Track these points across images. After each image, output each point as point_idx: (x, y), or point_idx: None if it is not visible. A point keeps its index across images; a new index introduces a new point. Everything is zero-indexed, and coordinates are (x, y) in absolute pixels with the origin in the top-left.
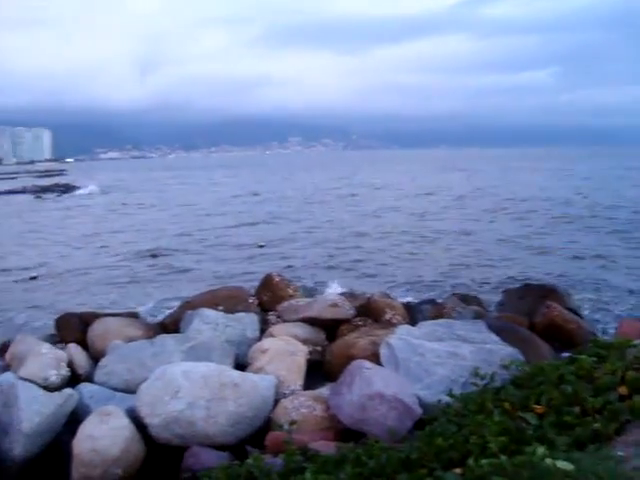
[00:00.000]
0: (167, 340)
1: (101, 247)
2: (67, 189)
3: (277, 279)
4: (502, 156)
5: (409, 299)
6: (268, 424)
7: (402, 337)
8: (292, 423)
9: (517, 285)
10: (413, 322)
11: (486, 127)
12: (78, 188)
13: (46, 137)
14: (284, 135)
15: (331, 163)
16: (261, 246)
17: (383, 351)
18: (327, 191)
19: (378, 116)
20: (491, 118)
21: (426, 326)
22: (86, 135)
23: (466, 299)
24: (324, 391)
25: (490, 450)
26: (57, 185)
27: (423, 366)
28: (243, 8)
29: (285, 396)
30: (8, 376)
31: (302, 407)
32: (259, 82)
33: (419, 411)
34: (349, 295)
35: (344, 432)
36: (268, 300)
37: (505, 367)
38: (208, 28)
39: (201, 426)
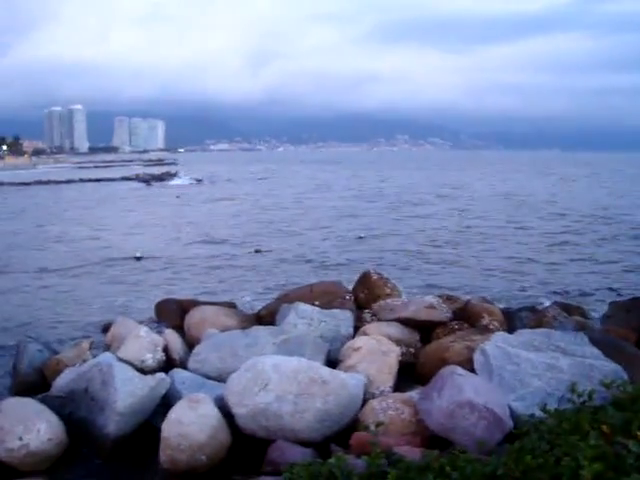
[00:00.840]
0: (261, 332)
1: (202, 235)
2: (175, 178)
3: (375, 277)
4: (618, 160)
5: (505, 305)
6: (354, 424)
7: (498, 344)
8: (379, 425)
9: (624, 298)
10: (511, 329)
11: (602, 130)
12: (184, 177)
13: (160, 128)
14: (391, 132)
15: (437, 163)
16: (360, 237)
17: (477, 357)
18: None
19: (487, 116)
20: (608, 120)
21: (524, 334)
22: (198, 127)
23: (568, 309)
24: (414, 394)
25: (583, 477)
26: (167, 174)
27: (518, 376)
28: (353, 5)
29: (374, 396)
30: (107, 356)
31: (390, 409)
32: (367, 79)
33: (510, 424)
34: (446, 297)
35: (431, 438)
36: (364, 298)
37: (606, 385)
38: (319, 24)
39: (287, 420)
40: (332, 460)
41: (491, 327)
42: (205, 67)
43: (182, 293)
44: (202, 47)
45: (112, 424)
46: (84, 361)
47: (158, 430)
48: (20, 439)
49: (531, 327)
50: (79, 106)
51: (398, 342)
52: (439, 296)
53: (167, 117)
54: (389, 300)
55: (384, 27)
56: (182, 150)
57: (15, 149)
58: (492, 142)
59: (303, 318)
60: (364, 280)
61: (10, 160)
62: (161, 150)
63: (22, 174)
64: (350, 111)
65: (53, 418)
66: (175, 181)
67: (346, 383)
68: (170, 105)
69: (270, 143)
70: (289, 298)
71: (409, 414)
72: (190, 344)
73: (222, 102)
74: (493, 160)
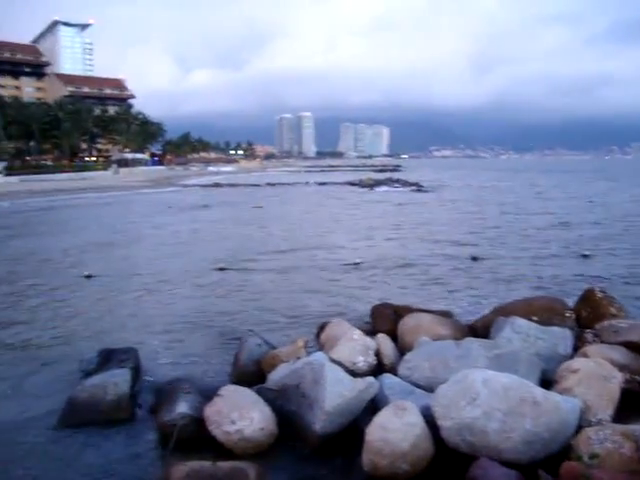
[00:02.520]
0: (473, 344)
1: (423, 241)
2: (404, 184)
3: (599, 295)
4: None
5: None
6: (565, 451)
7: None
8: (593, 456)
9: None
10: None
11: None
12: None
13: (384, 134)
14: (625, 140)
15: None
16: (585, 256)
17: None
18: None
19: None
20: None
21: None
22: (421, 133)
23: None
24: (638, 429)
25: None
26: (390, 180)
27: None
28: (587, 3)
29: (590, 425)
30: (320, 355)
31: (607, 441)
32: (599, 82)
33: None
34: None
35: None
36: (587, 317)
37: None
38: (548, 25)
39: (493, 438)
40: None
41: None
42: (429, 73)
43: (397, 299)
44: (426, 53)
45: (319, 422)
46: (298, 358)
47: (363, 433)
48: (235, 424)
49: None
50: (308, 113)
51: (622, 368)
52: None
53: (391, 123)
54: (614, 321)
55: (620, 25)
56: (405, 156)
57: (249, 153)
58: None
59: (519, 333)
60: (587, 298)
61: (244, 164)
62: (385, 156)
63: (254, 176)
64: (581, 117)
65: (266, 409)
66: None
67: (560, 406)
68: (394, 111)
69: (494, 151)
70: (505, 311)
71: (630, 449)
72: (401, 350)
73: (446, 108)
74: None
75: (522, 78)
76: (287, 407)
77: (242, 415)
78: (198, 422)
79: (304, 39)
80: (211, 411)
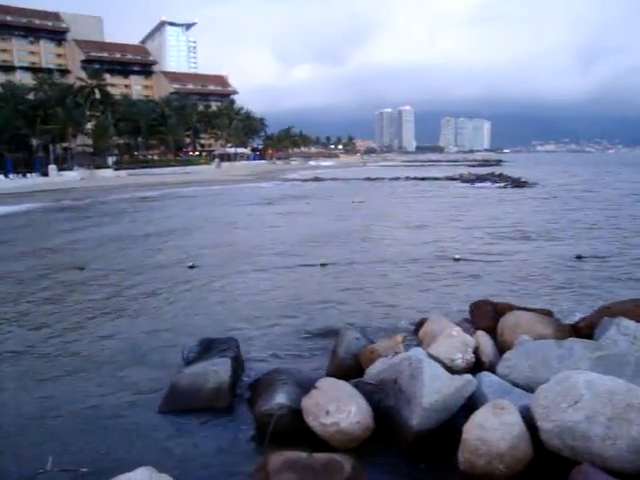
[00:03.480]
0: (576, 345)
1: (525, 238)
2: (506, 180)
3: None
4: None
5: None
6: None
7: None
8: None
9: None
10: None
11: None
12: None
13: (485, 128)
14: None
15: None
16: None
17: None
18: None
19: None
20: None
21: None
22: (523, 127)
23: None
24: None
25: None
26: (492, 175)
27: None
28: None
29: None
30: (418, 351)
31: None
32: None
33: None
34: None
35: None
36: None
37: None
38: None
39: (596, 444)
40: None
41: None
42: (532, 65)
43: (496, 296)
44: (530, 45)
45: (416, 418)
46: (396, 353)
47: (459, 431)
48: (332, 417)
49: None
50: (408, 107)
51: None
52: None
53: (493, 117)
54: None
55: None
56: (507, 150)
57: (349, 148)
58: None
59: (625, 335)
60: None
61: (344, 158)
62: (486, 150)
63: (353, 171)
64: None
65: (363, 403)
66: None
67: None
68: (496, 105)
69: (600, 145)
70: (611, 312)
71: None
72: (500, 349)
73: (550, 101)
74: None
75: (631, 69)
76: (384, 402)
77: (339, 408)
78: (295, 413)
79: (405, 32)
80: (308, 403)
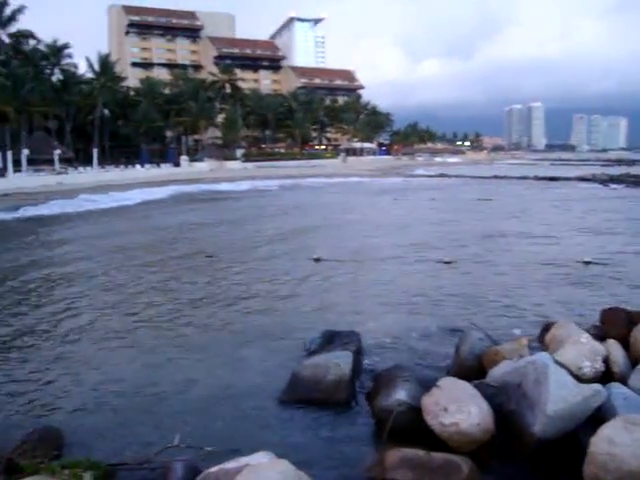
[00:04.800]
0: None
1: None
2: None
3: None
4: None
5: None
6: None
7: None
8: None
9: None
10: None
11: None
12: None
13: (622, 125)
14: None
15: None
16: None
17: None
18: None
19: None
20: None
21: None
22: None
23: None
24: None
25: None
26: (627, 176)
27: None
28: None
29: None
30: (544, 356)
31: None
32: None
33: None
34: None
35: None
36: None
37: None
38: None
39: None
40: None
41: None
42: None
43: (630, 303)
44: None
45: (539, 424)
46: (521, 356)
47: (583, 443)
48: (452, 417)
49: None
50: (538, 103)
51: None
52: None
53: (630, 114)
54: None
55: None
56: None
57: (476, 145)
58: None
59: None
60: None
61: (471, 155)
62: (622, 149)
63: (480, 168)
64: None
65: (484, 405)
66: None
67: None
68: (634, 101)
69: None
70: None
71: None
72: (634, 360)
73: None
74: None
75: None
76: (506, 405)
77: (460, 408)
78: (414, 411)
79: (538, 25)
80: (429, 401)
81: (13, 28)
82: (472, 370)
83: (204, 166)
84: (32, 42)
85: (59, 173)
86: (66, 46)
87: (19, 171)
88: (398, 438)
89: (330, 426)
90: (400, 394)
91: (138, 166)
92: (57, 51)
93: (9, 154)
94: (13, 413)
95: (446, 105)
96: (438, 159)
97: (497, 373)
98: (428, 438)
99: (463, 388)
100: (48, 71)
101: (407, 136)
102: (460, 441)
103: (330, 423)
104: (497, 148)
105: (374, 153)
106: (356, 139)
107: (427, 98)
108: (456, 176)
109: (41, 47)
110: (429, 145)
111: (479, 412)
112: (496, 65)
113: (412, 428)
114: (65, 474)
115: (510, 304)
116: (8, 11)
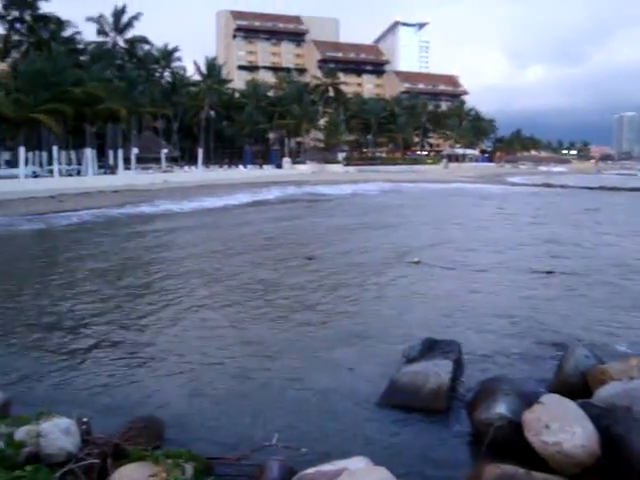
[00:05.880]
0: None
1: None
2: None
3: None
4: None
5: None
6: None
7: None
8: None
9: None
10: None
11: None
12: None
13: None
14: None
15: None
16: None
17: None
18: None
19: None
20: None
21: None
22: None
23: None
24: None
25: None
26: None
27: None
28: None
29: None
30: None
31: None
32: None
33: None
34: None
35: None
36: None
37: None
38: None
39: None
40: None
41: None
42: None
43: None
44: None
45: None
46: (631, 378)
47: None
48: (555, 436)
49: None
50: None
51: None
52: None
53: None
54: None
55: None
56: None
57: (583, 154)
58: None
59: None
60: None
61: (577, 164)
62: None
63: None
64: None
65: (589, 426)
66: None
67: None
68: None
69: None
70: None
71: None
72: None
73: None
74: None
75: None
76: (613, 429)
77: (563, 427)
78: (515, 426)
79: None
80: (531, 417)
81: (129, 34)
82: (575, 388)
83: (306, 168)
84: (145, 46)
85: (165, 171)
86: (176, 50)
87: (128, 169)
88: (497, 452)
89: (427, 435)
90: (501, 407)
91: (241, 167)
92: (167, 55)
93: (120, 152)
94: (119, 398)
95: (551, 112)
96: (542, 168)
97: (604, 394)
98: (528, 456)
99: (568, 407)
100: (158, 74)
101: (510, 143)
102: (562, 462)
103: (427, 432)
104: (606, 157)
105: (476, 160)
106: (458, 145)
107: (531, 104)
108: (561, 186)
109: (153, 51)
110: (533, 153)
111: (584, 433)
112: (606, 70)
113: (511, 443)
114: (168, 464)
115: (618, 320)
116: (125, 18)
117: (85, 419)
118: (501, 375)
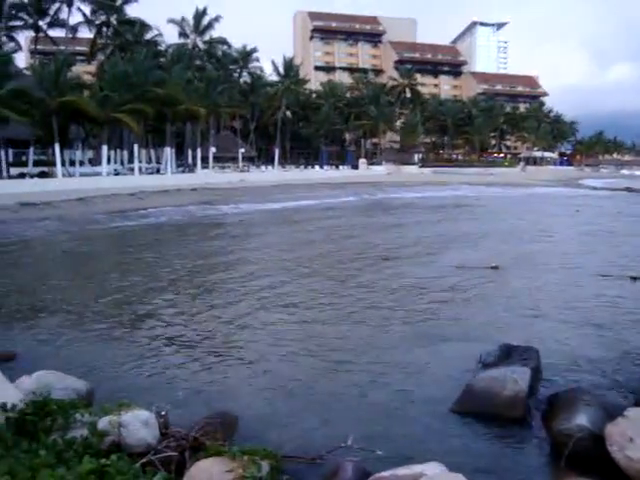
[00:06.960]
0: None
1: None
2: None
3: None
4: None
5: None
6: None
7: None
8: None
9: None
10: None
11: None
12: None
13: None
14: None
15: None
16: None
17: None
18: None
19: None
20: None
21: None
22: None
23: None
24: None
25: None
26: None
27: None
28: None
29: None
30: None
31: None
32: None
33: None
34: None
35: None
36: None
37: None
38: None
39: None
40: None
41: None
42: None
43: None
44: None
45: None
46: None
47: None
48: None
49: None
50: None
51: None
52: None
53: None
54: None
55: None
56: None
57: None
58: None
59: None
60: None
61: None
62: None
63: None
64: None
65: None
66: None
67: None
68: None
69: None
70: None
71: None
72: None
73: None
74: None
75: None
76: None
77: None
78: (596, 438)
79: None
80: (614, 430)
81: (208, 36)
82: None
83: (381, 169)
84: (224, 47)
85: (242, 171)
86: (254, 50)
87: (206, 167)
88: (576, 465)
89: (503, 443)
90: (581, 419)
91: (317, 167)
92: (246, 55)
93: (198, 151)
94: (195, 392)
95: (637, 113)
96: (625, 172)
97: None
98: (610, 470)
99: None
100: (236, 74)
101: (591, 146)
102: None
103: (503, 440)
104: None
105: (554, 163)
106: (536, 148)
107: (615, 105)
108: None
109: (232, 52)
110: (615, 156)
111: None
112: None
113: (592, 456)
114: (244, 460)
115: None
116: (205, 20)
117: (163, 412)
118: (582, 385)
